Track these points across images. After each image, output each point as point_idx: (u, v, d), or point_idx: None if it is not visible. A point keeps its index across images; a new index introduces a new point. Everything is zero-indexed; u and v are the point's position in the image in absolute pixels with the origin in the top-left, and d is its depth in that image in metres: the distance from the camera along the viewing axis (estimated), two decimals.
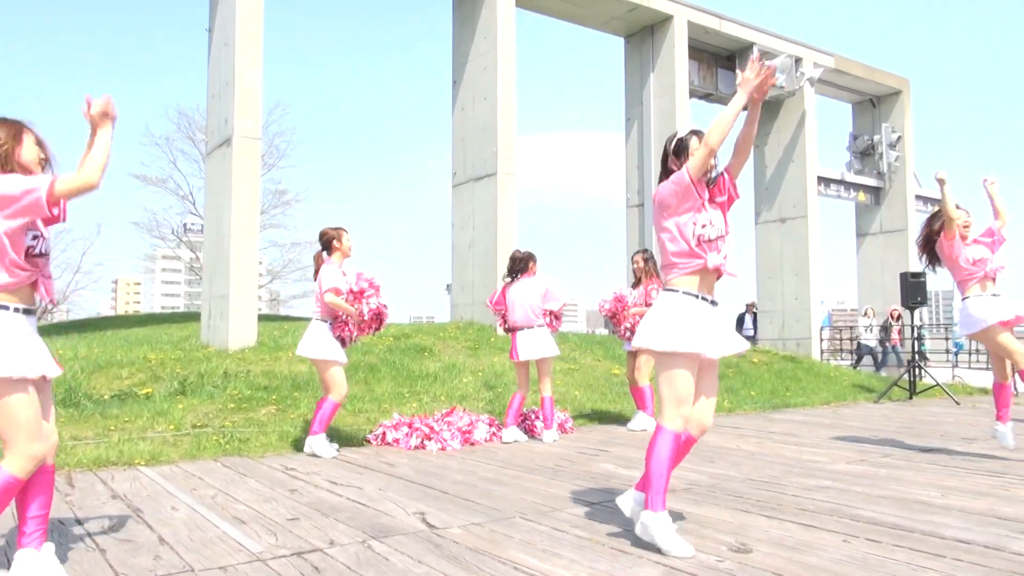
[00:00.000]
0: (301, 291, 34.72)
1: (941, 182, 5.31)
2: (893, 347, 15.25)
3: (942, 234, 5.44)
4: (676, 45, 13.86)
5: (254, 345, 9.09)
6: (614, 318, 7.25)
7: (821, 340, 16.19)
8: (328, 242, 5.69)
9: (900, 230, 17.17)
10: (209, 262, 10.09)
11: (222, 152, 9.71)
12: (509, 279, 6.63)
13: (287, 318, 16.71)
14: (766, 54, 14.91)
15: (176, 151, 28.58)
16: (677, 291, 3.20)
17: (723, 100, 15.87)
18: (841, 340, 20.22)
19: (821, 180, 16.28)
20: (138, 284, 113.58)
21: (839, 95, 17.81)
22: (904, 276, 11.57)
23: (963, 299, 5.43)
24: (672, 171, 3.29)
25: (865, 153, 17.58)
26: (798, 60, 15.12)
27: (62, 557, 3.00)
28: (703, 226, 3.17)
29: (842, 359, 17.98)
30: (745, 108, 3.21)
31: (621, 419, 7.65)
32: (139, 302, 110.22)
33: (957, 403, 10.00)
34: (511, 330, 6.57)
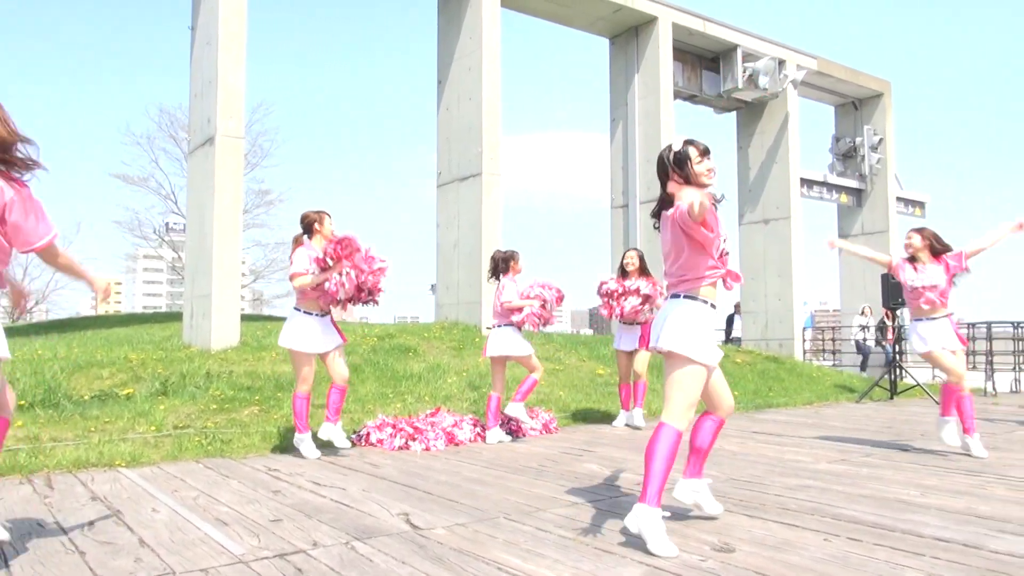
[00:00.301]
0: (285, 291, 34.58)
1: (840, 249, 5.61)
2: (891, 346, 15.18)
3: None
4: (661, 46, 13.91)
5: (237, 345, 9.03)
6: (609, 297, 7.19)
7: (804, 341, 16.31)
8: (309, 225, 5.48)
9: (881, 232, 17.34)
10: (191, 261, 10.02)
11: (205, 151, 9.64)
12: (492, 278, 6.64)
13: (270, 318, 16.61)
14: (750, 56, 15.02)
15: (158, 150, 28.42)
16: (698, 300, 3.32)
17: (707, 102, 15.97)
18: (823, 341, 20.37)
19: (804, 182, 16.40)
20: (119, 284, 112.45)
21: (822, 97, 17.96)
22: (885, 277, 11.68)
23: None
24: (676, 182, 3.36)
25: (847, 155, 17.74)
26: (781, 62, 15.23)
27: (40, 560, 2.97)
28: (724, 239, 3.34)
29: (824, 360, 18.11)
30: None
31: (606, 419, 7.68)
32: (120, 302, 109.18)
33: (937, 403, 10.10)
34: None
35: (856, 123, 17.92)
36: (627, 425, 7.36)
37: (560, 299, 6.51)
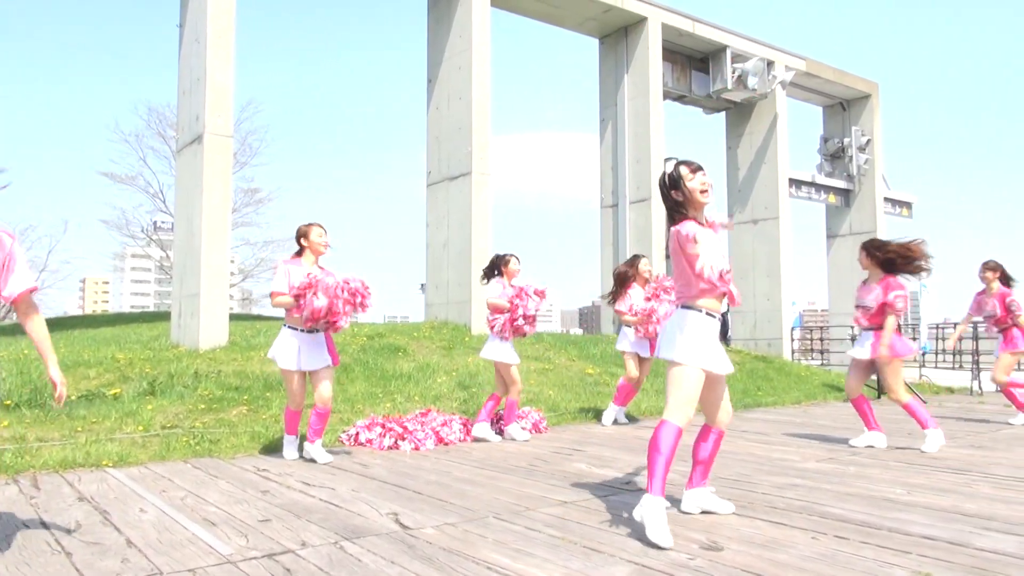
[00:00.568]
0: None
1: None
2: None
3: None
4: (650, 47, 13.95)
5: (225, 345, 8.99)
6: (649, 319, 7.14)
7: (792, 340, 16.40)
8: (298, 240, 5.36)
9: (869, 232, 17.43)
10: (179, 260, 9.96)
11: (193, 149, 9.60)
12: (484, 280, 6.63)
13: (259, 317, 16.55)
14: (739, 56, 15.08)
15: (146, 148, 28.23)
16: (700, 311, 3.50)
17: (697, 102, 16.03)
18: (812, 340, 20.48)
19: (792, 182, 16.49)
20: (107, 283, 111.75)
21: (810, 98, 18.06)
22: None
23: None
24: (677, 201, 3.50)
25: (835, 156, 17.85)
26: (770, 63, 15.29)
27: (26, 560, 2.95)
28: (722, 257, 3.48)
29: (812, 359, 18.21)
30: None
31: (595, 419, 7.69)
32: (108, 301, 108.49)
33: (924, 402, 10.18)
34: None
35: (844, 124, 18.03)
36: (615, 422, 7.41)
37: (537, 304, 6.36)
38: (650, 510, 3.22)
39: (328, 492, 4.25)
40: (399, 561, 2.94)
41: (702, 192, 3.45)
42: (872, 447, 6.05)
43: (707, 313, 3.49)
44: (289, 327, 5.26)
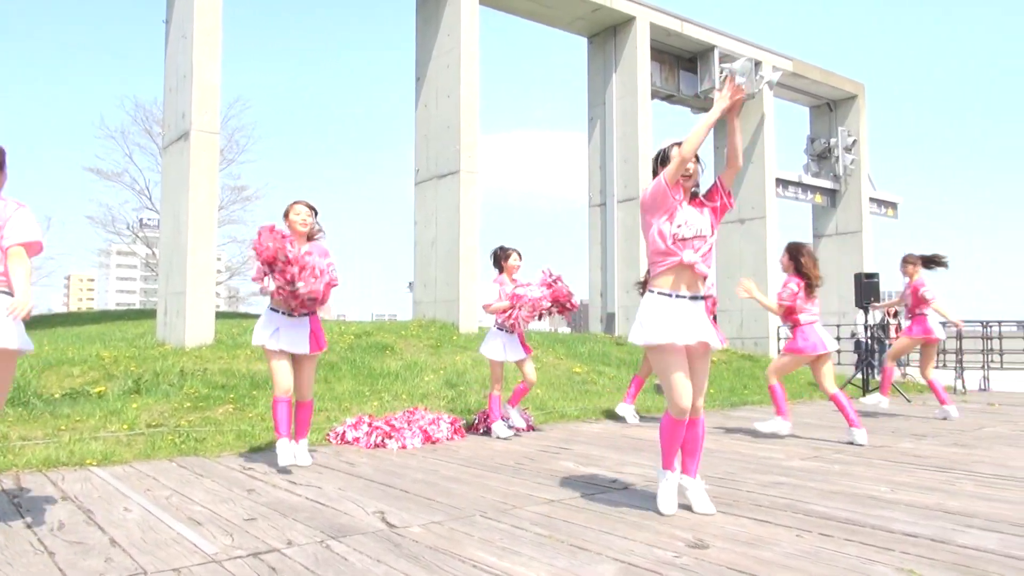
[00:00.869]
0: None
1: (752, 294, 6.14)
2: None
3: None
4: (638, 46, 13.98)
5: (211, 343, 8.94)
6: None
7: (779, 339, 16.48)
8: (284, 217, 5.07)
9: (855, 232, 17.58)
10: (166, 258, 9.90)
11: (179, 146, 9.54)
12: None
13: (246, 315, 16.46)
14: (726, 56, 15.14)
15: (132, 144, 28.00)
16: (653, 292, 3.64)
17: (685, 102, 16.07)
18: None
19: (779, 182, 16.57)
20: (92, 280, 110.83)
21: (797, 99, 18.16)
22: (858, 277, 11.84)
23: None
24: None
25: (822, 156, 17.96)
26: (758, 63, 15.35)
27: (8, 560, 2.92)
28: (679, 225, 3.56)
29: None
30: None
31: (582, 417, 7.71)
32: (92, 298, 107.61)
33: (908, 400, 10.27)
34: None
35: (831, 124, 18.14)
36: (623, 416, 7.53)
37: (544, 297, 6.39)
38: (660, 480, 3.68)
39: (314, 491, 4.24)
40: (385, 560, 2.93)
41: (686, 176, 3.59)
42: (775, 433, 6.59)
43: (659, 293, 3.60)
44: (271, 308, 5.01)
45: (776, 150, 16.26)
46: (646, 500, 3.95)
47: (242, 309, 35.43)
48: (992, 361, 13.44)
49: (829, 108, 18.27)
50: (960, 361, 12.43)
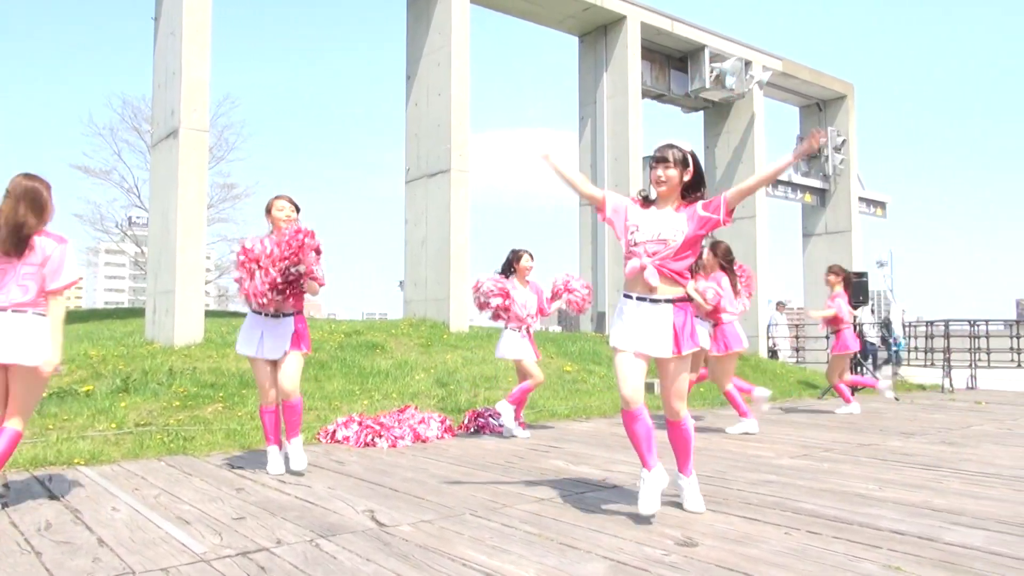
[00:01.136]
0: None
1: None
2: (896, 343, 15.23)
3: None
4: (629, 45, 13.99)
5: (200, 342, 8.90)
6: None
7: (768, 338, 16.55)
8: (266, 214, 4.88)
9: (844, 231, 17.66)
10: (154, 256, 9.84)
11: (168, 144, 9.48)
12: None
13: (235, 314, 16.38)
14: (717, 56, 15.17)
15: (121, 142, 27.70)
16: (622, 295, 3.71)
17: (675, 101, 16.11)
18: (788, 338, 20.66)
19: None
20: (80, 278, 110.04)
21: (787, 98, 18.22)
22: (848, 276, 11.87)
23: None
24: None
25: (811, 156, 18.02)
26: (748, 63, 15.41)
27: None
28: (631, 232, 3.64)
29: (788, 357, 18.38)
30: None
31: (573, 416, 7.72)
32: (81, 297, 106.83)
33: (896, 399, 10.32)
34: None
35: (820, 124, 18.21)
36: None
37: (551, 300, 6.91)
38: (640, 482, 3.59)
39: (304, 490, 4.23)
40: (375, 559, 2.93)
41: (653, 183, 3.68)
42: (747, 433, 6.69)
43: (626, 295, 3.66)
44: (253, 311, 4.83)
45: (766, 150, 16.33)
46: (635, 499, 3.95)
47: (231, 308, 35.29)
48: (979, 360, 13.54)
49: (819, 108, 18.35)
50: (948, 360, 12.51)
